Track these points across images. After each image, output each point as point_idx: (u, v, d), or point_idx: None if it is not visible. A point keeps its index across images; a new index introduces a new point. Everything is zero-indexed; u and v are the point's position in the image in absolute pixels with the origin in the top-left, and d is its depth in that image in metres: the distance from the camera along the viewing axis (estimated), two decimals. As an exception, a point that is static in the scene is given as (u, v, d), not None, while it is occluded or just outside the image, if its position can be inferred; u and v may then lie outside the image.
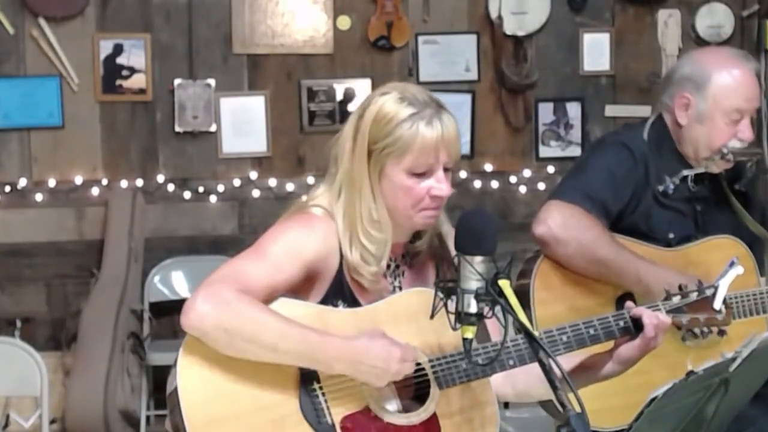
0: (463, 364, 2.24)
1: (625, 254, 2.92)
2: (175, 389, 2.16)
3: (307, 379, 2.20)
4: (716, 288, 2.39)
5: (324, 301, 2.29)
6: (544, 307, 2.93)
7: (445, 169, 2.26)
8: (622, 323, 2.33)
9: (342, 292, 2.30)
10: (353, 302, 2.31)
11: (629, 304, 2.37)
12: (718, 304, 2.39)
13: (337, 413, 2.20)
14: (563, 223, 2.92)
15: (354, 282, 2.31)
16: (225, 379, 2.16)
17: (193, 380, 2.16)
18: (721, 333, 2.45)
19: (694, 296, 2.40)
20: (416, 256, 2.40)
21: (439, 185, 2.25)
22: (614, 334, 2.33)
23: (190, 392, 2.15)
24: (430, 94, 2.30)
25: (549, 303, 2.95)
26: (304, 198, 2.38)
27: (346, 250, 2.27)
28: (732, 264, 2.40)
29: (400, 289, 2.37)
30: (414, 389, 2.27)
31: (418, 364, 2.24)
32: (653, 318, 2.30)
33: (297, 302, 2.25)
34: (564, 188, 3.07)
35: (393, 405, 2.25)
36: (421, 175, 2.25)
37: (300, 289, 2.28)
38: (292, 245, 2.24)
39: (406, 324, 2.26)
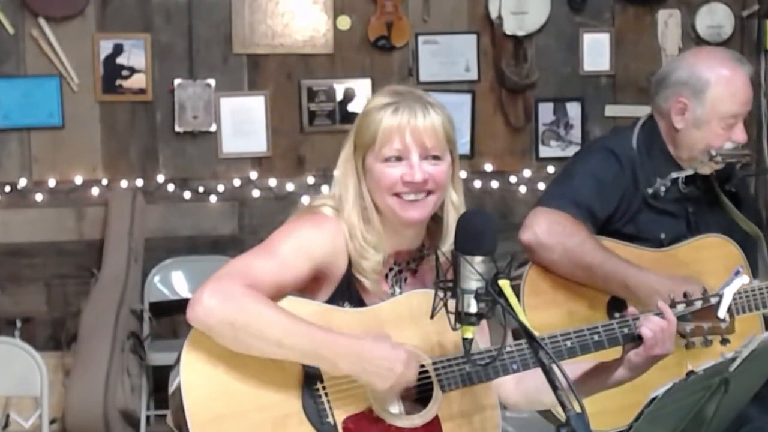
0: (467, 367, 2.24)
1: (612, 259, 2.92)
2: (178, 388, 2.15)
3: (310, 379, 2.20)
4: (721, 296, 2.38)
5: (330, 302, 2.29)
6: (534, 312, 2.92)
7: (434, 158, 2.25)
8: (626, 330, 2.33)
9: (349, 293, 2.30)
10: (359, 304, 2.30)
11: (632, 310, 2.36)
12: (722, 312, 2.38)
13: (339, 414, 2.19)
14: (548, 230, 2.93)
15: (361, 284, 2.31)
16: (228, 377, 2.16)
17: (196, 377, 2.16)
18: (724, 342, 2.44)
19: (698, 305, 2.40)
20: (420, 263, 2.39)
21: (411, 171, 2.24)
22: (618, 340, 2.33)
23: (193, 388, 2.15)
24: (422, 93, 2.30)
25: (539, 308, 2.94)
26: (310, 199, 2.39)
27: (350, 247, 2.28)
28: (737, 273, 2.40)
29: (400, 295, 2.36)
30: (417, 391, 2.26)
31: (422, 366, 2.24)
32: (653, 326, 2.30)
33: (303, 300, 2.25)
34: (550, 195, 3.07)
35: (395, 407, 2.24)
36: (396, 163, 2.25)
37: (308, 288, 2.28)
38: (301, 244, 2.24)
39: (409, 325, 2.26)
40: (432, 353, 2.26)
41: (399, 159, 2.25)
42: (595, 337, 2.32)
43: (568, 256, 2.91)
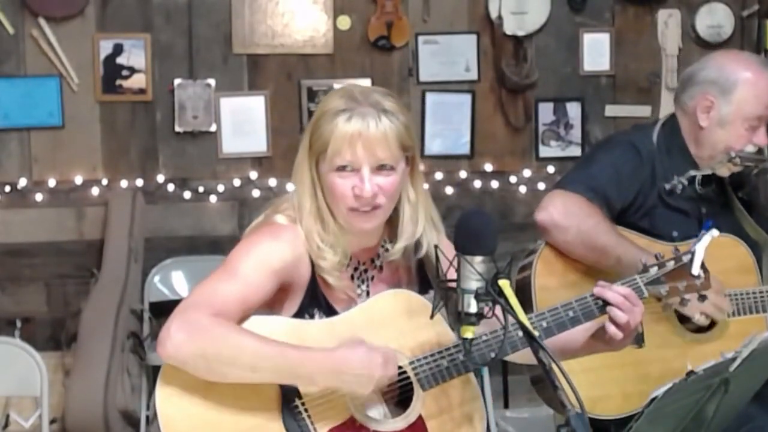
0: (444, 362, 2.24)
1: (625, 243, 2.96)
2: (158, 426, 2.16)
3: (288, 398, 2.19)
4: (693, 253, 2.38)
5: (300, 311, 2.29)
6: (546, 293, 2.96)
7: (387, 168, 2.23)
8: (601, 302, 2.32)
9: (317, 300, 2.30)
10: (329, 310, 2.30)
11: (600, 282, 2.36)
12: (696, 269, 2.38)
13: (321, 427, 2.19)
14: (564, 211, 2.97)
15: (327, 287, 2.30)
16: (205, 407, 2.15)
17: (173, 411, 2.15)
18: (702, 298, 2.45)
19: (671, 265, 2.39)
20: (386, 260, 2.38)
21: (361, 184, 2.22)
22: (594, 314, 2.33)
23: (171, 423, 2.14)
24: (381, 97, 2.27)
25: (551, 289, 2.97)
26: (271, 205, 2.38)
27: (308, 249, 2.28)
28: (708, 227, 2.40)
29: (368, 294, 2.35)
30: (398, 393, 2.26)
31: (400, 367, 2.23)
32: (615, 297, 2.29)
33: (271, 319, 2.24)
34: (568, 179, 3.12)
35: (378, 411, 2.24)
36: (348, 174, 2.23)
37: (275, 301, 2.27)
38: (261, 259, 2.23)
39: (383, 328, 2.26)
40: (410, 353, 2.26)
41: (351, 170, 2.23)
42: (570, 314, 2.31)
43: (582, 237, 2.95)
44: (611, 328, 2.29)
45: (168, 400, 2.15)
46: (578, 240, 2.95)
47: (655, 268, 2.38)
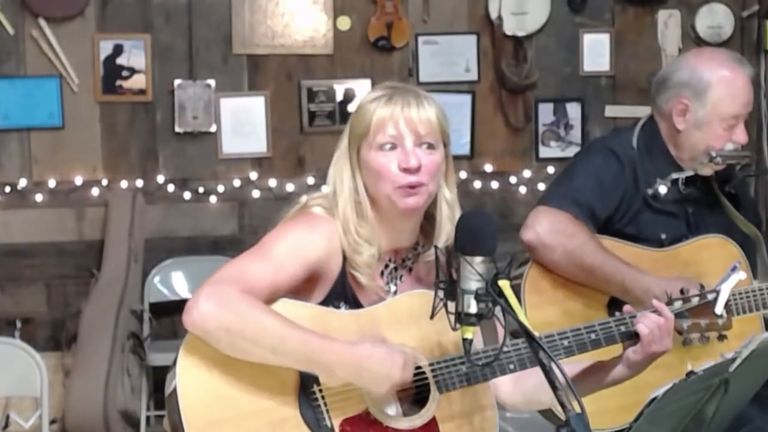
0: (464, 367, 2.23)
1: (612, 261, 2.93)
2: (174, 390, 2.15)
3: (306, 383, 2.19)
4: (718, 293, 2.38)
5: (325, 302, 2.29)
6: (534, 311, 2.93)
7: (428, 147, 2.26)
8: (623, 328, 2.32)
9: (344, 293, 2.30)
10: (355, 304, 2.30)
11: (627, 308, 2.36)
12: (719, 309, 2.38)
13: (336, 417, 2.19)
14: (550, 229, 2.94)
15: (355, 283, 2.31)
16: (224, 382, 2.16)
17: (192, 382, 2.15)
18: (721, 338, 2.44)
19: (695, 301, 2.40)
20: (416, 261, 2.39)
21: (405, 156, 2.24)
22: (615, 339, 2.33)
23: (189, 394, 2.15)
24: (417, 87, 2.34)
25: (540, 307, 2.95)
26: (304, 198, 2.38)
27: (343, 243, 2.28)
28: (734, 268, 2.40)
29: (395, 293, 2.35)
30: (414, 393, 2.26)
31: (419, 367, 2.24)
32: (649, 323, 2.29)
33: (298, 303, 2.24)
34: (552, 194, 3.09)
35: (393, 409, 2.24)
36: (392, 152, 2.25)
37: (302, 289, 2.27)
38: (295, 245, 2.24)
39: (407, 326, 2.26)
40: (430, 354, 2.26)
41: (393, 148, 2.25)
42: (592, 336, 2.31)
43: (569, 256, 2.92)
44: (642, 327, 2.28)
45: (188, 371, 2.16)
46: (565, 259, 2.93)
47: (680, 303, 2.39)
